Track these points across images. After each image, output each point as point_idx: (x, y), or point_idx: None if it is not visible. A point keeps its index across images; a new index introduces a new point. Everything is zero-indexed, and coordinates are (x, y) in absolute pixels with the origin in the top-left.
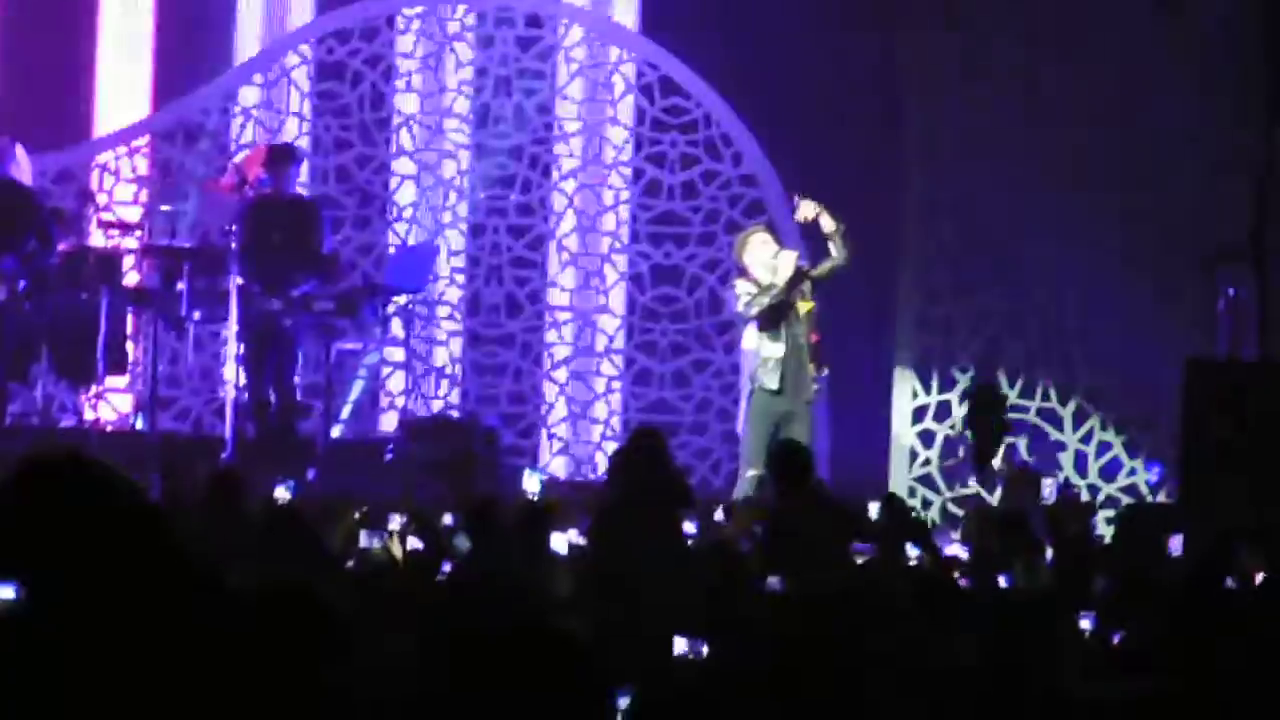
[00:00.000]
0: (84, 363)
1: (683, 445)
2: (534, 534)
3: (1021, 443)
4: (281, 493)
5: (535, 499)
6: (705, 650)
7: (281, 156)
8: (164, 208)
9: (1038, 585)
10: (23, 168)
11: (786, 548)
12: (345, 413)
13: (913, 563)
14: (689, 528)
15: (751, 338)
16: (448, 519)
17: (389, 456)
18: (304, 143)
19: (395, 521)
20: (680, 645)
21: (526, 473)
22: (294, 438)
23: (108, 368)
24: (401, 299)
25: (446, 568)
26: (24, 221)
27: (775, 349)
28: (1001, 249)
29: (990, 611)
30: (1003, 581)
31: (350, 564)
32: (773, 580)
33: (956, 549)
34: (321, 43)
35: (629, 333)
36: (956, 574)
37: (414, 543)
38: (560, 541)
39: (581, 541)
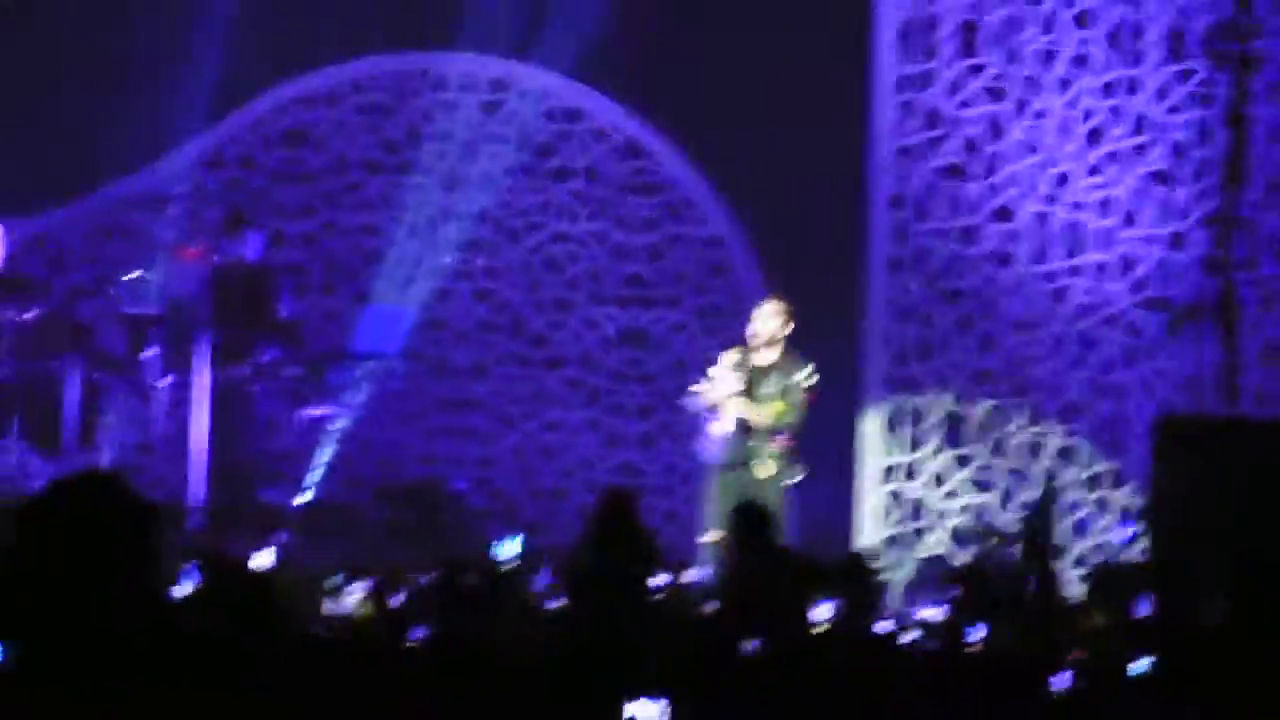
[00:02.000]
0: (53, 431)
1: (650, 508)
2: (505, 597)
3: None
4: (265, 558)
5: (505, 563)
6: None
7: (240, 223)
8: (132, 274)
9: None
10: None
11: (747, 607)
12: (314, 477)
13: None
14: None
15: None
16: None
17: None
18: (270, 208)
19: (361, 587)
20: (634, 709)
21: (505, 543)
22: (260, 503)
23: (77, 438)
24: (369, 363)
25: (418, 633)
26: None
27: (721, 426)
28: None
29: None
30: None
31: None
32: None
33: (931, 612)
34: (286, 110)
35: (598, 394)
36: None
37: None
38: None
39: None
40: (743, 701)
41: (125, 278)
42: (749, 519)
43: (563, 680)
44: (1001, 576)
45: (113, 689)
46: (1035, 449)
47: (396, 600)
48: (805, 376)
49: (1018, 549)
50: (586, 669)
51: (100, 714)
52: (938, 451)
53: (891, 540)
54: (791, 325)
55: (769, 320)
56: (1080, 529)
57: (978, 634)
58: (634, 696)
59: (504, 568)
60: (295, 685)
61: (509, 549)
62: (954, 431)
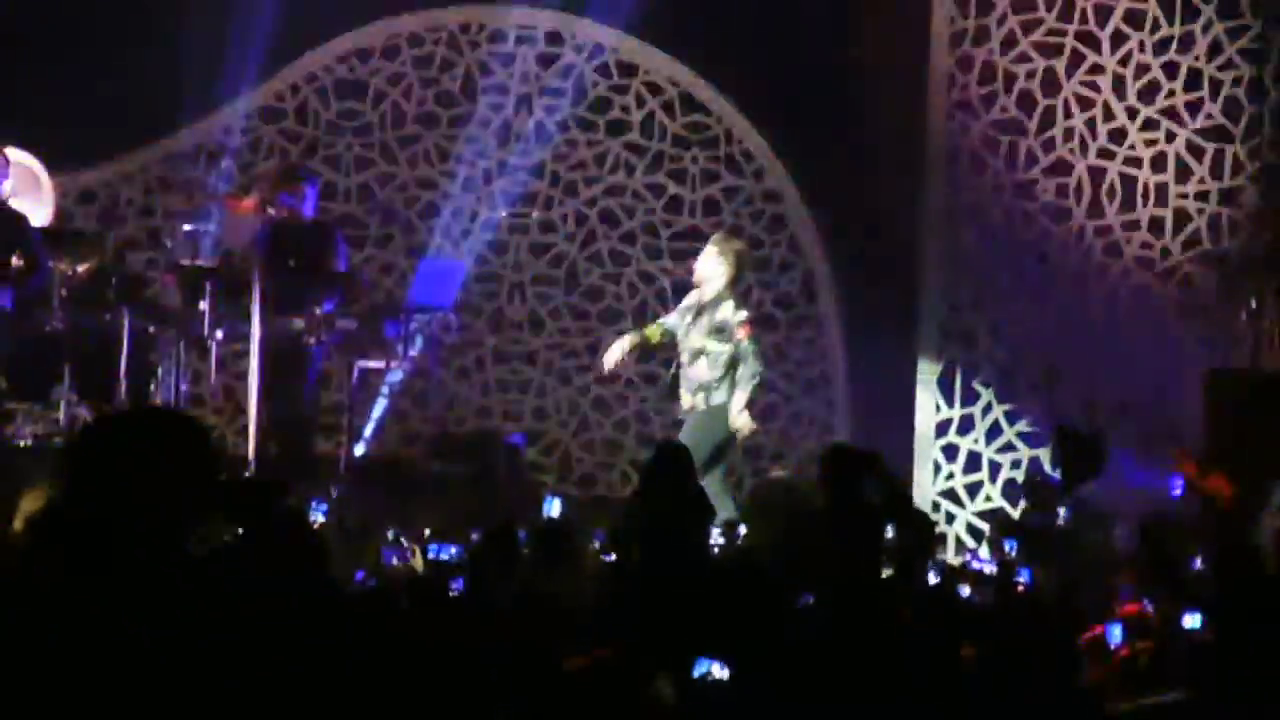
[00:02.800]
0: (106, 384)
1: None
2: (553, 552)
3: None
4: (316, 516)
5: (554, 519)
6: (727, 673)
7: (296, 177)
8: (186, 227)
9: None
10: (39, 184)
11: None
12: (368, 431)
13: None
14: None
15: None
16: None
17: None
18: (325, 161)
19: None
20: (703, 667)
21: (550, 500)
22: (315, 456)
23: (130, 391)
24: (425, 316)
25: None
26: (4, 241)
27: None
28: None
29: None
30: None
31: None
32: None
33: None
34: (343, 61)
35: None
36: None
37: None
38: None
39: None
40: (802, 655)
41: (179, 230)
42: (843, 461)
43: (615, 636)
44: (1048, 529)
45: (157, 632)
46: (1088, 405)
47: (449, 553)
48: (734, 312)
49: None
50: (643, 625)
51: (144, 655)
52: (990, 405)
53: (946, 493)
54: (734, 264)
55: (706, 259)
56: (1132, 483)
57: (1022, 578)
58: (693, 654)
59: (556, 522)
60: (341, 637)
61: (553, 507)
62: (1008, 386)
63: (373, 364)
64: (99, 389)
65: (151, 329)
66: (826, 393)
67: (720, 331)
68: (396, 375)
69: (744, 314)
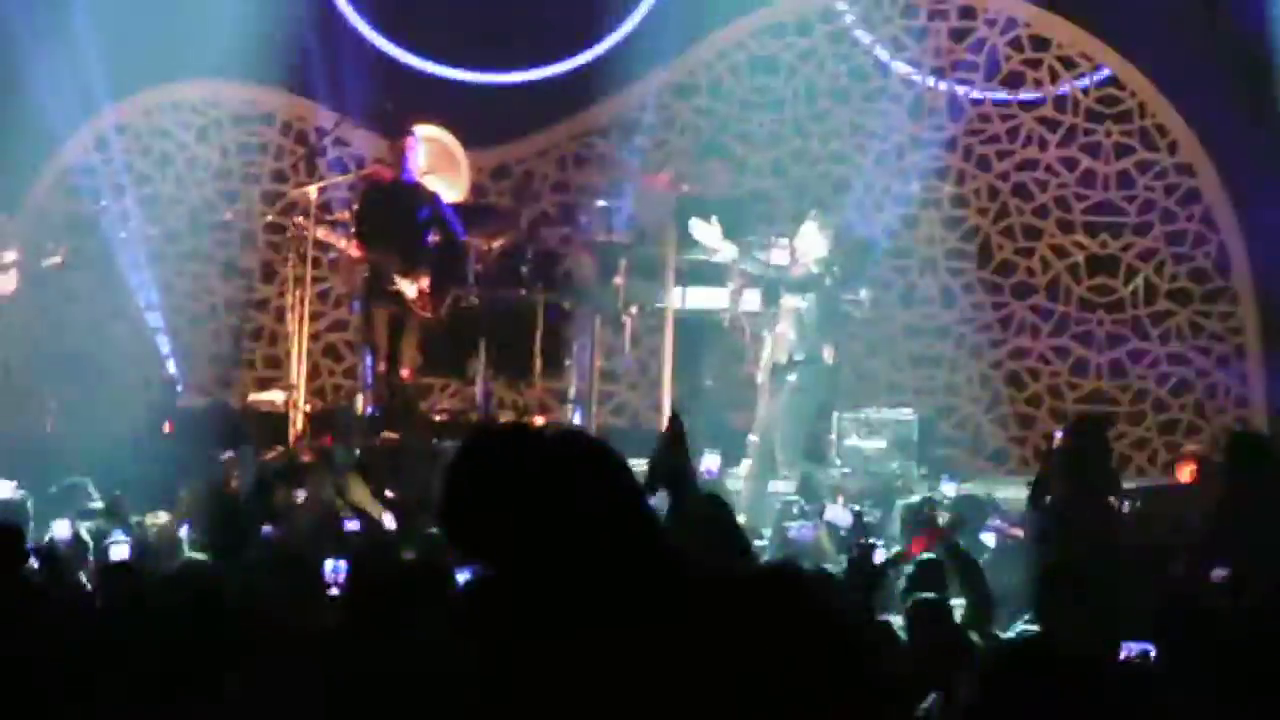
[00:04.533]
0: (520, 360)
1: (1119, 436)
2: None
3: None
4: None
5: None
6: (1153, 653)
7: (708, 155)
8: (600, 203)
9: None
10: (454, 161)
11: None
12: None
13: None
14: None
15: None
16: None
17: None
18: (738, 137)
19: None
20: (1130, 649)
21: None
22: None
23: (544, 366)
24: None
25: None
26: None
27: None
28: None
29: None
30: None
31: None
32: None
33: None
34: (755, 37)
35: (1066, 322)
36: None
37: None
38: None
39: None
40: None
41: (593, 206)
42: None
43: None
44: None
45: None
46: None
47: None
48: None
49: None
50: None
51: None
52: None
53: None
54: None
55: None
56: None
57: None
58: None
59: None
60: None
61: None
62: None
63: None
64: (514, 364)
65: (566, 304)
66: (1240, 367)
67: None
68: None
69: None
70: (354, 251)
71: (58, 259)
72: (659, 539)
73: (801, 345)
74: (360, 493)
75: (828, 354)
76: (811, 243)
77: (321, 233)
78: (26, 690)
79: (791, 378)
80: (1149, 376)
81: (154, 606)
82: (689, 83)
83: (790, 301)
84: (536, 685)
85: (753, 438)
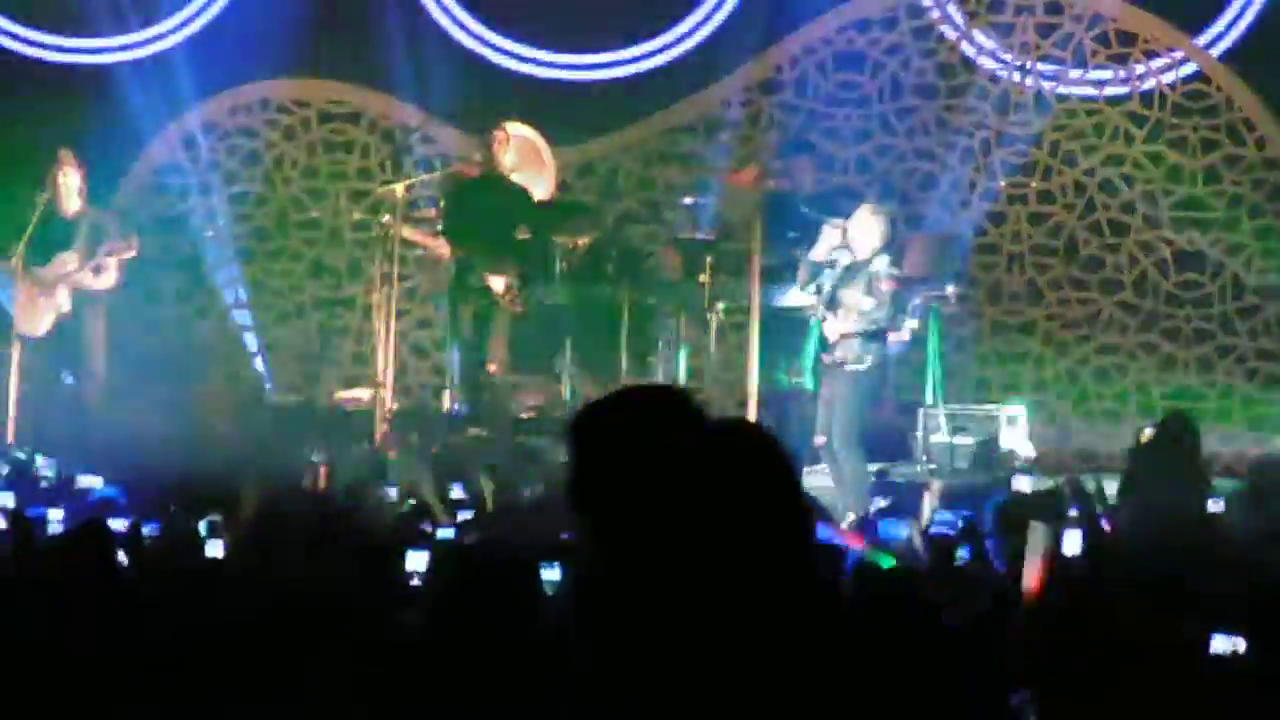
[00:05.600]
0: (606, 357)
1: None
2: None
3: None
4: None
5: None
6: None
7: (794, 151)
8: (685, 200)
9: None
10: (541, 158)
11: None
12: None
13: None
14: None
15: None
16: None
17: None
18: (823, 133)
19: None
20: (1219, 644)
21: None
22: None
23: (629, 363)
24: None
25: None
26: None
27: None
28: None
29: None
30: None
31: None
32: None
33: None
34: (841, 32)
35: (1154, 318)
36: None
37: None
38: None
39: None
40: None
41: (679, 203)
42: None
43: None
44: None
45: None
46: None
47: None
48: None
49: None
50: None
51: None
52: None
53: None
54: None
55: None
56: None
57: None
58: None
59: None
60: None
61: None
62: None
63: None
64: (599, 362)
65: (651, 301)
66: None
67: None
68: (896, 348)
69: (895, 271)
70: (441, 249)
71: (132, 252)
72: (810, 556)
73: (853, 337)
74: (428, 491)
75: (880, 347)
76: (866, 230)
77: (408, 232)
78: (115, 688)
79: (848, 369)
80: (1236, 372)
81: (234, 606)
82: (774, 79)
83: (844, 293)
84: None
85: (820, 439)
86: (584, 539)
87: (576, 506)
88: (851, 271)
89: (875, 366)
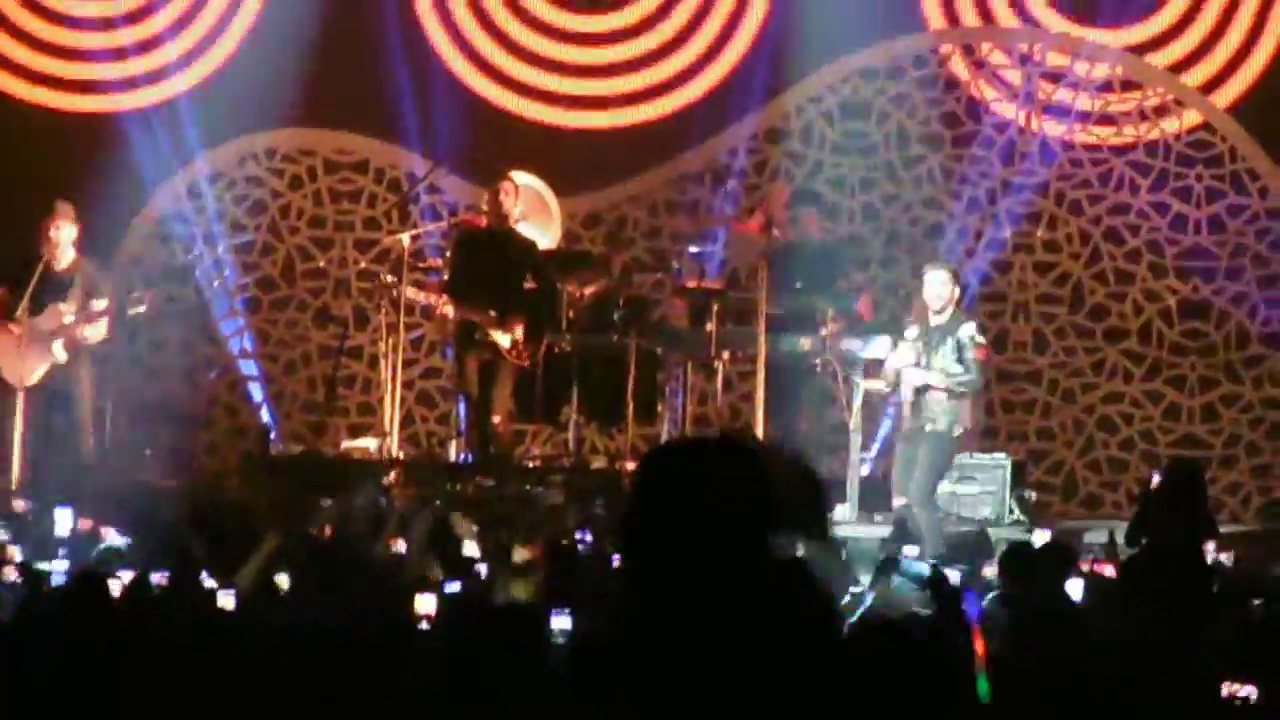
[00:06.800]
0: (613, 406)
1: (1211, 480)
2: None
3: None
4: None
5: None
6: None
7: (800, 198)
8: (692, 249)
9: None
10: (547, 208)
11: None
12: (872, 451)
13: None
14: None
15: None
16: None
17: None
18: (829, 182)
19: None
20: (1228, 689)
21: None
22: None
23: (636, 412)
24: None
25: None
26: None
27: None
28: None
29: None
30: None
31: None
32: None
33: None
34: (847, 81)
35: (1159, 366)
36: None
37: None
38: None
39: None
40: None
41: (686, 251)
42: None
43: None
44: None
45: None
46: None
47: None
48: (973, 334)
49: None
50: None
51: None
52: None
53: None
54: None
55: (940, 286)
56: None
57: None
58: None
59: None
60: None
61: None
62: None
63: (876, 384)
64: (606, 410)
65: (658, 350)
66: None
67: (960, 352)
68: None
69: (982, 339)
70: (445, 308)
71: (143, 307)
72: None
73: (939, 399)
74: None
75: (959, 409)
76: (940, 291)
77: (411, 293)
78: None
79: (928, 429)
80: (1241, 421)
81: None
82: (781, 128)
83: (934, 357)
84: None
85: (898, 500)
86: (626, 581)
87: (627, 549)
88: (941, 333)
89: (951, 427)
